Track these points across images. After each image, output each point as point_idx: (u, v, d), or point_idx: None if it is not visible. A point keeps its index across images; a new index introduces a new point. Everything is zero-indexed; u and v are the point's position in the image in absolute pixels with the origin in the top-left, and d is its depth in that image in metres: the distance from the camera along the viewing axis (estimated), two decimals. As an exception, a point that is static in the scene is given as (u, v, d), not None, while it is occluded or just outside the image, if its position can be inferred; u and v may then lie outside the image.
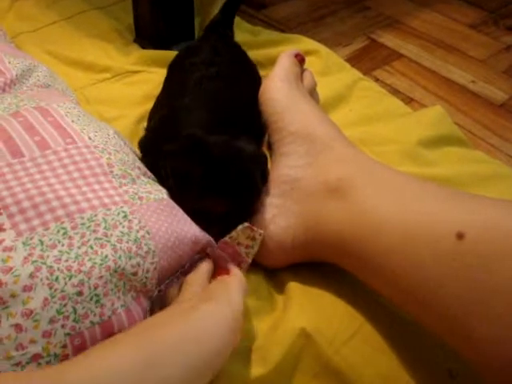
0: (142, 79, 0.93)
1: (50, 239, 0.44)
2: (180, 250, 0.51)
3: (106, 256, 0.45)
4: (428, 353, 0.53)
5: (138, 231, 0.48)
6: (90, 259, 0.44)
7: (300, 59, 0.72)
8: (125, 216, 0.48)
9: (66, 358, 0.41)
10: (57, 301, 0.42)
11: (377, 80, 1.03)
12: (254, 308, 0.57)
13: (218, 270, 0.54)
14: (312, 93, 0.71)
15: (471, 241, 0.43)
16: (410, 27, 1.22)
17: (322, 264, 0.58)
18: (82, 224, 0.46)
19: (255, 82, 0.76)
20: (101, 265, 0.44)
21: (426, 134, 0.82)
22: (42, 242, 0.44)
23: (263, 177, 0.59)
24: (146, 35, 1.02)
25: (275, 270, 0.61)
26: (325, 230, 0.54)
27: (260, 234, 0.55)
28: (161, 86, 0.81)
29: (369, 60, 1.10)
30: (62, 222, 0.46)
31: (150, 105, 0.78)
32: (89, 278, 0.43)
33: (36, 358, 0.40)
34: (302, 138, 0.59)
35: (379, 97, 0.93)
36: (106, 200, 0.49)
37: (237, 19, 1.10)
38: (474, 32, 1.22)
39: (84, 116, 0.59)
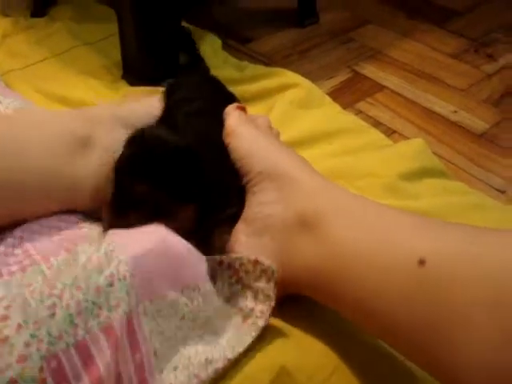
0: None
1: (28, 279, 0.47)
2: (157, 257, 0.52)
3: (76, 276, 0.46)
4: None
5: (106, 247, 0.49)
6: (60, 282, 0.46)
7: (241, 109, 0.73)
8: (94, 249, 0.50)
9: (43, 381, 0.42)
10: (30, 325, 0.43)
11: (360, 112, 1.05)
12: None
13: None
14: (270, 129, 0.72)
15: (432, 266, 0.45)
16: (392, 58, 1.24)
17: (299, 299, 0.60)
18: (58, 264, 0.49)
19: None
20: (71, 285, 0.46)
21: (407, 166, 0.83)
22: (19, 284, 0.46)
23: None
24: (134, 72, 1.04)
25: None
26: (298, 265, 0.55)
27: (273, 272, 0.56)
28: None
29: (352, 92, 1.12)
30: (39, 264, 0.49)
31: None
32: (61, 300, 0.45)
33: (12, 382, 0.41)
34: (270, 175, 0.60)
35: (360, 130, 0.94)
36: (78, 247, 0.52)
37: (223, 54, 1.13)
38: (455, 61, 1.24)
39: None
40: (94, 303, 0.46)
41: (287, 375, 0.54)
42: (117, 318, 0.47)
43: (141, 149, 0.57)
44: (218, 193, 0.61)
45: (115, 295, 0.47)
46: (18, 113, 0.63)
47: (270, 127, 0.71)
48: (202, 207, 0.59)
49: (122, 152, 0.57)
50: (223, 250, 0.61)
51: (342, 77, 1.17)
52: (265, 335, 0.56)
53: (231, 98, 0.83)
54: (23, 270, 0.48)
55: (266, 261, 0.56)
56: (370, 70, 1.20)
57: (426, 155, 0.87)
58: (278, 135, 0.71)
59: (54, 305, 0.44)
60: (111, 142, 0.60)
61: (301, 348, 0.56)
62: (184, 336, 0.53)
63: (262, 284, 0.56)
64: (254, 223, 0.60)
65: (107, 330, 0.46)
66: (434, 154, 0.89)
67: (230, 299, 0.58)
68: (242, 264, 0.57)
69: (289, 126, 0.89)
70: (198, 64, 0.93)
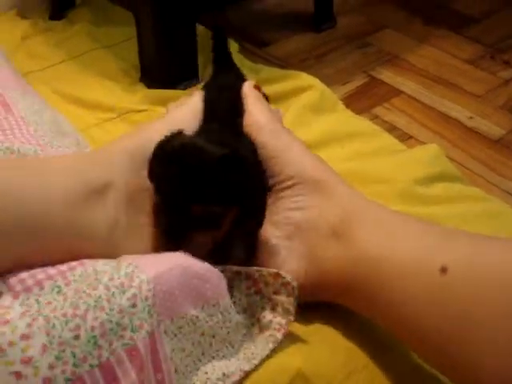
0: (146, 118, 0.95)
1: (46, 298, 0.46)
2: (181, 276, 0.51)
3: (100, 296, 0.46)
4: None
5: (126, 267, 0.49)
6: (84, 302, 0.45)
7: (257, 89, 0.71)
8: (112, 266, 0.50)
9: None
10: (55, 347, 0.42)
11: (376, 117, 1.06)
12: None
13: None
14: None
15: (454, 274, 0.46)
16: (409, 63, 1.25)
17: (316, 304, 0.60)
18: (75, 281, 0.48)
19: None
20: (95, 306, 0.45)
21: (423, 171, 0.83)
22: (38, 302, 0.45)
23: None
24: (151, 74, 1.05)
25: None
26: (326, 270, 0.56)
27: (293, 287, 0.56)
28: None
29: (368, 97, 1.12)
30: (56, 281, 0.47)
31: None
32: (84, 322, 0.44)
33: None
34: (303, 180, 0.61)
35: (373, 134, 0.94)
36: (92, 260, 0.51)
37: (239, 57, 1.13)
38: (472, 67, 1.24)
39: None
40: (117, 324, 0.46)
41: (303, 379, 0.54)
42: (140, 338, 0.47)
43: (189, 167, 0.53)
44: (259, 195, 0.60)
45: (138, 316, 0.47)
46: (33, 161, 0.62)
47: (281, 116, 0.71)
48: (244, 210, 0.58)
49: (164, 173, 0.54)
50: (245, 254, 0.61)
51: (358, 81, 1.18)
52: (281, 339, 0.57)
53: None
54: (41, 286, 0.47)
55: (288, 275, 0.55)
56: (386, 75, 1.20)
57: (441, 161, 0.87)
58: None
59: (78, 326, 0.44)
60: (125, 184, 0.57)
61: (317, 352, 0.57)
62: (203, 352, 0.53)
63: (281, 298, 0.56)
64: (285, 227, 0.60)
65: (132, 351, 0.46)
66: (450, 159, 0.89)
67: (247, 310, 0.58)
68: (261, 275, 0.57)
69: (302, 129, 0.89)
70: (230, 63, 0.92)
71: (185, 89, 1.02)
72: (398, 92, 1.14)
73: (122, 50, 1.15)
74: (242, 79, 0.82)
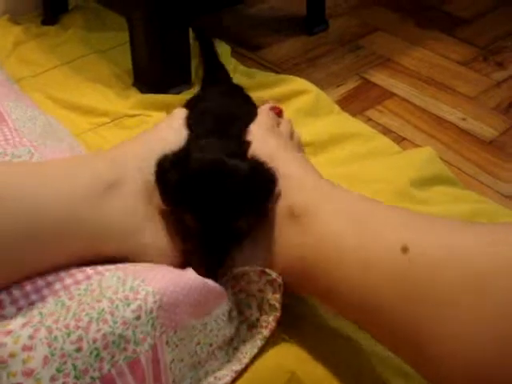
0: (140, 123, 0.96)
1: (49, 310, 0.46)
2: (186, 289, 0.51)
3: (103, 309, 0.46)
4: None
5: (132, 281, 0.49)
6: (86, 314, 0.45)
7: (277, 112, 0.74)
8: (118, 277, 0.50)
9: None
10: (56, 359, 0.42)
11: (369, 120, 1.06)
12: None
13: None
14: (291, 136, 0.73)
15: (415, 253, 0.45)
16: (402, 65, 1.25)
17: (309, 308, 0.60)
18: (79, 294, 0.48)
19: None
20: (98, 319, 0.45)
21: (417, 174, 0.84)
22: (40, 314, 0.45)
23: (247, 195, 0.56)
24: (144, 79, 1.05)
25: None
26: (288, 256, 0.56)
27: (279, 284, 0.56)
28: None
29: (361, 100, 1.12)
30: (60, 296, 0.47)
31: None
32: (87, 334, 0.44)
33: None
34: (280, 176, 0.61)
35: (369, 136, 0.95)
36: (100, 268, 0.51)
37: (233, 61, 1.13)
38: (465, 69, 1.24)
39: None
40: (120, 337, 0.45)
41: (297, 382, 0.54)
42: (143, 351, 0.47)
43: (225, 184, 0.54)
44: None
45: (142, 329, 0.47)
46: (42, 165, 0.61)
47: (292, 132, 0.73)
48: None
49: (202, 195, 0.54)
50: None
51: (351, 84, 1.18)
52: (275, 343, 0.57)
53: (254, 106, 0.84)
54: (43, 299, 0.47)
55: (273, 272, 0.56)
56: (379, 78, 1.20)
57: (435, 163, 0.87)
58: (298, 139, 0.73)
59: (80, 338, 0.44)
60: (143, 183, 0.58)
61: (311, 355, 0.57)
62: (199, 361, 0.53)
63: (267, 295, 0.57)
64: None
65: (134, 364, 0.46)
66: (443, 161, 0.90)
67: (235, 309, 0.59)
68: (245, 274, 0.57)
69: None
70: (220, 71, 0.93)
71: (178, 93, 1.03)
72: (390, 94, 1.15)
73: (115, 54, 1.16)
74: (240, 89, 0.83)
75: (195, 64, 1.09)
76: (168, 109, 0.93)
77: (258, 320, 0.57)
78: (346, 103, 1.09)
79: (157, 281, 0.50)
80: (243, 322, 0.58)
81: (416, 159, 0.86)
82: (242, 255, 0.58)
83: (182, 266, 0.56)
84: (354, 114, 1.03)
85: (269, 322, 0.56)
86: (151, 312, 0.47)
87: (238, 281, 0.58)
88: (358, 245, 0.50)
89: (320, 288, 0.54)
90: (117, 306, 0.46)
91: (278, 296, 0.56)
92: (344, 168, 0.86)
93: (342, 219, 0.53)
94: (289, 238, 0.56)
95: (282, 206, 0.58)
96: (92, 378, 0.43)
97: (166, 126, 0.66)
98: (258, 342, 0.56)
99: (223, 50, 1.16)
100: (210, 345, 0.54)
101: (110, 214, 0.54)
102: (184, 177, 0.55)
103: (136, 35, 1.02)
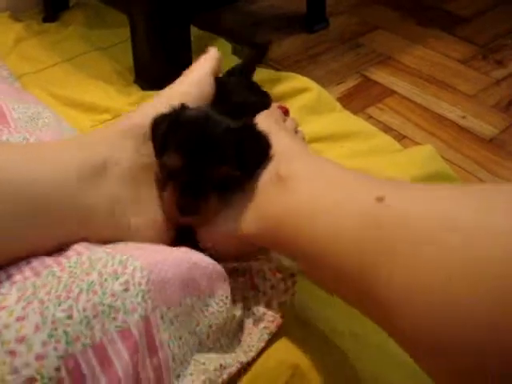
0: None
1: (42, 282, 0.47)
2: (179, 266, 0.52)
3: (92, 281, 0.47)
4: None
5: (121, 256, 0.50)
6: (77, 286, 0.46)
7: (284, 111, 0.76)
8: (108, 253, 0.51)
9: (61, 381, 0.42)
10: (48, 325, 0.43)
11: (370, 117, 1.06)
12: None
13: None
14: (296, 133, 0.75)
15: (390, 202, 0.45)
16: (402, 64, 1.25)
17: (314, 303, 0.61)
18: (69, 266, 0.49)
19: None
20: (87, 290, 0.46)
21: (419, 171, 0.84)
22: (34, 285, 0.47)
23: (239, 150, 0.58)
24: (146, 76, 1.05)
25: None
26: (266, 217, 0.56)
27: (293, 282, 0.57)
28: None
29: (362, 98, 1.13)
30: (52, 267, 0.49)
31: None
32: (77, 303, 0.45)
33: (30, 381, 0.41)
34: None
35: (370, 134, 0.95)
36: (89, 245, 0.53)
37: (233, 58, 1.14)
38: (465, 67, 1.25)
39: None
40: (110, 307, 0.47)
41: (301, 375, 0.54)
42: (133, 321, 0.47)
43: (211, 134, 0.57)
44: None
45: (131, 300, 0.48)
46: (25, 146, 0.63)
47: (297, 129, 0.74)
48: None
49: (185, 140, 0.57)
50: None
51: (351, 82, 1.18)
52: (280, 336, 0.57)
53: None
54: (37, 274, 0.49)
55: (288, 270, 0.57)
56: (379, 76, 1.21)
57: (436, 161, 0.88)
58: (302, 136, 0.74)
59: (70, 307, 0.45)
60: (131, 166, 0.59)
61: (316, 348, 0.57)
62: (199, 342, 0.54)
63: (278, 292, 0.58)
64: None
65: (124, 333, 0.47)
66: (444, 158, 0.90)
67: (241, 302, 0.59)
68: (260, 271, 0.58)
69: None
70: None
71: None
72: (391, 92, 1.15)
73: (116, 51, 1.16)
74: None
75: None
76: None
77: (264, 314, 0.58)
78: (347, 101, 1.09)
79: (145, 257, 0.51)
80: (249, 316, 0.59)
81: (417, 157, 0.87)
82: (231, 212, 0.60)
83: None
84: (354, 112, 1.04)
85: (276, 317, 0.57)
86: (140, 285, 0.48)
87: (252, 277, 0.59)
88: (332, 204, 0.50)
89: (291, 246, 0.54)
90: (106, 279, 0.48)
91: (289, 293, 0.57)
92: (345, 165, 0.86)
93: (321, 182, 0.54)
94: (270, 198, 0.57)
95: (266, 171, 0.59)
96: (83, 344, 0.44)
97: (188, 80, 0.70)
98: (265, 336, 0.56)
99: (224, 47, 1.16)
100: (210, 326, 0.54)
101: (97, 201, 0.56)
102: (172, 126, 0.58)
103: (137, 32, 1.02)
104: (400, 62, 1.26)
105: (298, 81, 1.04)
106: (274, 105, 0.75)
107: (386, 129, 1.02)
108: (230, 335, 0.57)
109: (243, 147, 0.58)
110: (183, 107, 0.60)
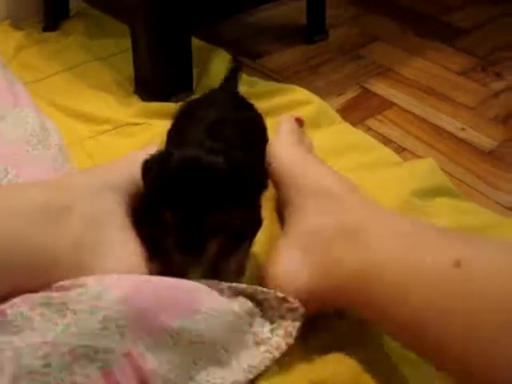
0: (141, 131, 0.96)
1: (13, 325, 0.45)
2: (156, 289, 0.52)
3: (68, 324, 0.45)
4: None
5: (95, 287, 0.49)
6: (52, 330, 0.45)
7: (299, 123, 0.75)
8: (80, 285, 0.50)
9: None
10: (25, 376, 0.41)
11: (369, 129, 1.06)
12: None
13: None
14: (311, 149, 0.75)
15: (467, 267, 0.46)
16: (402, 75, 1.26)
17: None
18: (40, 304, 0.47)
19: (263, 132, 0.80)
20: (63, 331, 0.45)
21: (419, 185, 0.84)
22: (6, 333, 0.45)
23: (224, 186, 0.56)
24: (146, 87, 1.05)
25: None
26: (339, 274, 0.56)
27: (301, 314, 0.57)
28: (160, 137, 0.82)
29: (361, 109, 1.13)
30: (19, 307, 0.47)
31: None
32: (54, 348, 0.43)
33: None
34: (317, 191, 0.63)
35: (370, 146, 0.95)
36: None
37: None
38: (464, 79, 1.25)
39: None
40: (88, 347, 0.45)
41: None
42: (114, 359, 0.46)
43: (201, 179, 0.55)
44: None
45: (111, 338, 0.46)
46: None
47: (310, 143, 0.74)
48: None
49: (177, 187, 0.55)
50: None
51: (351, 93, 1.18)
52: (292, 351, 0.57)
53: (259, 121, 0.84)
54: (2, 313, 0.47)
55: (295, 301, 0.56)
56: (379, 87, 1.21)
57: (436, 174, 0.87)
58: (313, 149, 0.74)
59: (47, 355, 0.43)
60: (94, 210, 0.58)
61: (328, 363, 0.57)
62: (193, 360, 0.53)
63: (286, 322, 0.57)
64: (299, 238, 0.61)
65: (106, 373, 0.45)
66: (443, 171, 0.90)
67: (244, 317, 0.58)
68: (266, 299, 0.58)
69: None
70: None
71: (179, 101, 1.02)
72: (390, 104, 1.15)
73: (116, 61, 1.16)
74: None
75: (197, 72, 1.09)
76: (169, 117, 0.93)
77: (269, 339, 0.57)
78: (347, 112, 1.09)
79: (118, 288, 0.50)
80: (250, 333, 0.58)
81: (417, 170, 0.87)
82: (286, 275, 0.60)
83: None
84: (354, 124, 1.04)
85: (281, 346, 0.56)
86: (118, 320, 0.47)
87: (260, 303, 0.58)
88: (409, 257, 0.51)
89: (371, 303, 0.54)
90: (82, 317, 0.46)
91: (298, 324, 0.56)
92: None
93: (393, 238, 0.54)
94: (341, 257, 0.56)
95: (331, 226, 0.59)
96: None
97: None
98: (267, 362, 0.55)
99: (224, 57, 1.16)
100: (203, 342, 0.53)
101: (54, 241, 0.54)
102: (161, 172, 0.56)
103: (138, 43, 1.02)
104: (399, 74, 1.26)
105: (298, 93, 1.04)
106: (290, 117, 0.74)
107: (386, 141, 1.02)
108: (228, 349, 0.56)
109: (236, 187, 0.56)
110: (171, 149, 0.59)
